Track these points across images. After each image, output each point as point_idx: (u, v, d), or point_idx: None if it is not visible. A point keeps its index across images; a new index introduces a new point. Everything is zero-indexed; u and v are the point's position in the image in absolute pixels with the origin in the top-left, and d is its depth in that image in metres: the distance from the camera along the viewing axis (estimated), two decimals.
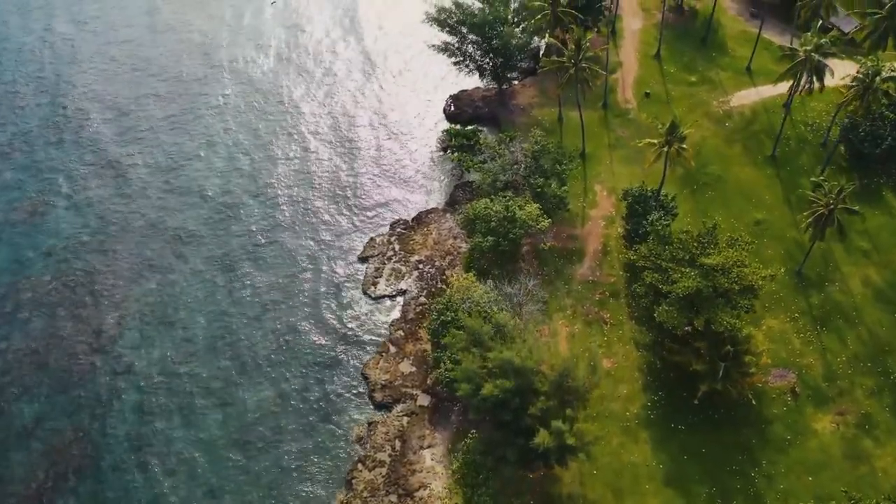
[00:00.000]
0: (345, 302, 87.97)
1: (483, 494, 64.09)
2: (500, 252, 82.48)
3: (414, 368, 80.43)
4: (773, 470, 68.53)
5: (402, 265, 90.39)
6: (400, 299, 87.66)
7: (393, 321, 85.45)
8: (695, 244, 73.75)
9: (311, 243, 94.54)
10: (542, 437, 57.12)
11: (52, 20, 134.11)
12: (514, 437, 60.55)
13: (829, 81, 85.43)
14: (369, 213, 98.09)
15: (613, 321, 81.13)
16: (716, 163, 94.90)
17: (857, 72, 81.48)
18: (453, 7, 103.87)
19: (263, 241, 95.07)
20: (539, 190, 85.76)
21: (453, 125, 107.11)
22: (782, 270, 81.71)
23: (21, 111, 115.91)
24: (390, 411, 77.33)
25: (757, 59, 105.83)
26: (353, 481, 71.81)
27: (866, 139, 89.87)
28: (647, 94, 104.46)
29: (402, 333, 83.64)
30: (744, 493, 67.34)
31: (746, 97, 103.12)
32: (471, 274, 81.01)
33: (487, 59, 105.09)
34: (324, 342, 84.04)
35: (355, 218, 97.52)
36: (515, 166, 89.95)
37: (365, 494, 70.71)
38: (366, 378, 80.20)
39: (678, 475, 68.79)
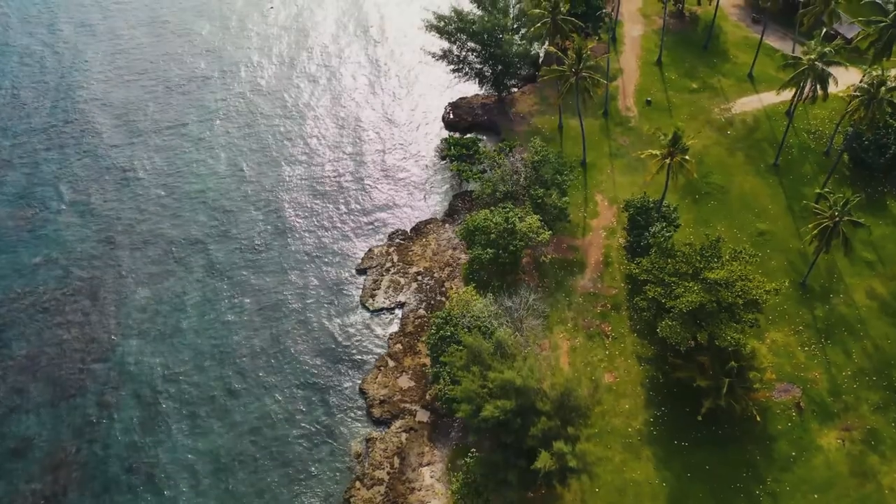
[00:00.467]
0: (343, 314, 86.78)
1: None
2: (500, 264, 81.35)
3: (413, 383, 79.26)
4: (779, 488, 67.45)
5: (400, 277, 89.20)
6: (398, 312, 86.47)
7: (391, 334, 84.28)
8: (698, 257, 72.66)
9: (309, 254, 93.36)
10: (544, 460, 55.96)
11: (54, 25, 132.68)
12: (516, 458, 59.39)
13: (832, 89, 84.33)
14: (367, 223, 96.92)
15: (615, 334, 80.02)
16: (718, 172, 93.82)
17: (862, 81, 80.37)
18: (452, 14, 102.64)
19: (262, 250, 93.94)
20: (539, 201, 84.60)
21: (452, 133, 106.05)
22: (786, 283, 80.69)
23: (22, 115, 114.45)
24: (389, 427, 76.11)
25: (759, 66, 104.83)
26: (351, 500, 70.50)
27: (870, 148, 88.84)
28: (648, 102, 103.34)
29: (401, 347, 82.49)
30: None
31: (748, 104, 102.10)
32: (470, 287, 79.80)
33: (487, 67, 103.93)
34: (321, 356, 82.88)
35: (353, 228, 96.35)
36: (515, 176, 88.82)
37: None
38: (364, 393, 79.03)
39: (682, 494, 67.69)
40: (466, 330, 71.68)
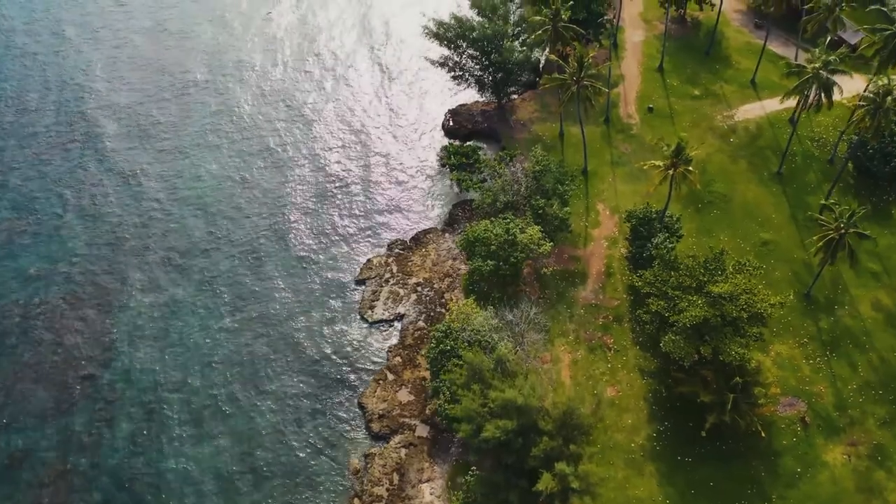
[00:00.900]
0: (341, 326, 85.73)
1: None
2: (501, 276, 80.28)
3: (412, 397, 78.20)
4: None
5: (400, 288, 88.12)
6: (398, 324, 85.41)
7: (390, 347, 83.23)
8: (701, 270, 71.56)
9: (308, 263, 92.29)
10: (546, 482, 54.94)
11: (58, 28, 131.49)
12: (517, 478, 58.39)
13: (837, 96, 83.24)
14: (366, 233, 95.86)
15: (617, 346, 78.97)
16: (721, 180, 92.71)
17: (867, 90, 79.28)
18: (452, 21, 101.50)
19: (261, 258, 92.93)
20: (540, 211, 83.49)
21: (452, 141, 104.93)
22: (791, 296, 79.64)
23: (25, 120, 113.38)
24: (388, 442, 75.09)
25: (762, 72, 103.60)
26: None
27: (875, 157, 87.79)
28: (650, 109, 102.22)
29: (400, 360, 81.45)
30: None
31: (751, 111, 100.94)
32: (470, 300, 78.68)
33: (487, 74, 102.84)
34: (319, 369, 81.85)
35: (352, 237, 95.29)
36: (516, 186, 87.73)
37: None
38: (363, 407, 78.01)
39: None
40: (467, 344, 70.71)
